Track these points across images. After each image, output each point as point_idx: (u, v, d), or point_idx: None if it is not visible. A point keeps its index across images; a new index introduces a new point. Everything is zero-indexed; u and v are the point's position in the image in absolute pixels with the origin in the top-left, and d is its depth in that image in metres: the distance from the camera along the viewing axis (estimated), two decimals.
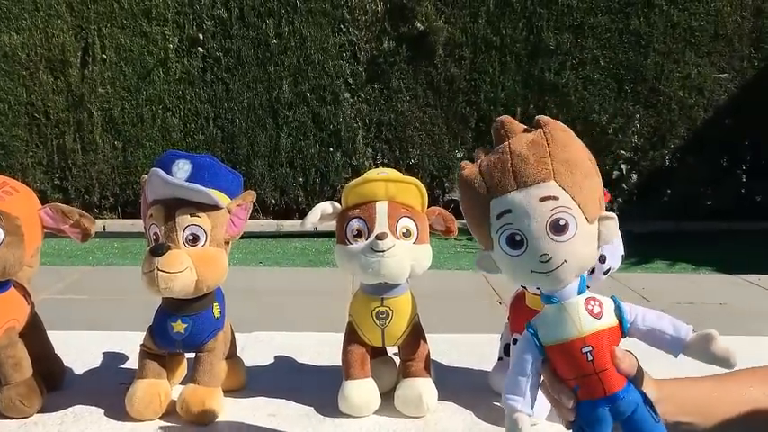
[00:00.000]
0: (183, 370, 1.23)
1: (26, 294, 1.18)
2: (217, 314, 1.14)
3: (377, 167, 5.02)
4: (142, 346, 1.14)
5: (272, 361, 1.40)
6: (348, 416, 1.13)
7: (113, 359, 1.39)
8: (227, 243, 1.12)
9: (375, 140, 4.98)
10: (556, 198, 0.72)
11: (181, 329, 1.10)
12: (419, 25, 4.80)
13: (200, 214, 1.07)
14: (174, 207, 1.06)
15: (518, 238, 0.73)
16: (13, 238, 1.06)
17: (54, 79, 4.77)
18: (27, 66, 4.73)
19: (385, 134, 4.98)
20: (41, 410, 1.12)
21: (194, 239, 1.06)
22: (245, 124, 4.90)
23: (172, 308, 1.10)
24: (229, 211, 1.10)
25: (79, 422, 1.10)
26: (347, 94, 4.90)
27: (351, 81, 4.90)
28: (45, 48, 4.73)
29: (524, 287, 1.16)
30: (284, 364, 1.39)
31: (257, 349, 1.44)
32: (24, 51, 4.72)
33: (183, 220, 1.06)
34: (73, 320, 2.27)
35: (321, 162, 4.95)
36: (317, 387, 1.25)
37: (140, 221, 1.14)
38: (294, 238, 4.63)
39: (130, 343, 1.46)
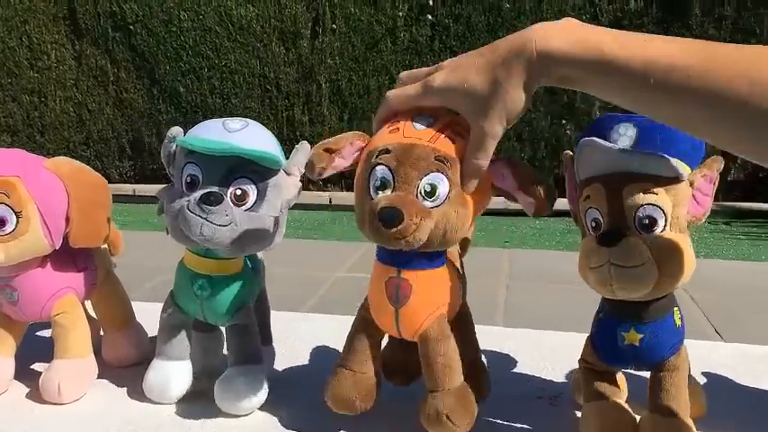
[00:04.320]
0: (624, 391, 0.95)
1: (458, 273, 0.91)
2: (678, 321, 0.86)
3: None
4: (582, 361, 0.88)
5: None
6: None
7: (507, 360, 1.14)
8: (688, 227, 0.83)
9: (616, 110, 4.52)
10: None
11: (635, 341, 0.83)
12: None
13: (656, 190, 0.78)
14: (618, 183, 0.78)
15: None
16: (458, 191, 0.82)
17: (285, 51, 4.81)
18: (261, 38, 4.81)
19: None
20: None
21: (651, 224, 0.78)
22: None
23: (621, 313, 0.83)
24: (692, 185, 0.81)
25: None
26: None
27: None
28: (278, 19, 4.77)
29: None
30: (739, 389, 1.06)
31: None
32: (259, 23, 4.79)
33: (635, 198, 0.78)
34: None
35: (552, 135, 4.59)
36: None
37: None
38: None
39: (527, 342, 1.20)
